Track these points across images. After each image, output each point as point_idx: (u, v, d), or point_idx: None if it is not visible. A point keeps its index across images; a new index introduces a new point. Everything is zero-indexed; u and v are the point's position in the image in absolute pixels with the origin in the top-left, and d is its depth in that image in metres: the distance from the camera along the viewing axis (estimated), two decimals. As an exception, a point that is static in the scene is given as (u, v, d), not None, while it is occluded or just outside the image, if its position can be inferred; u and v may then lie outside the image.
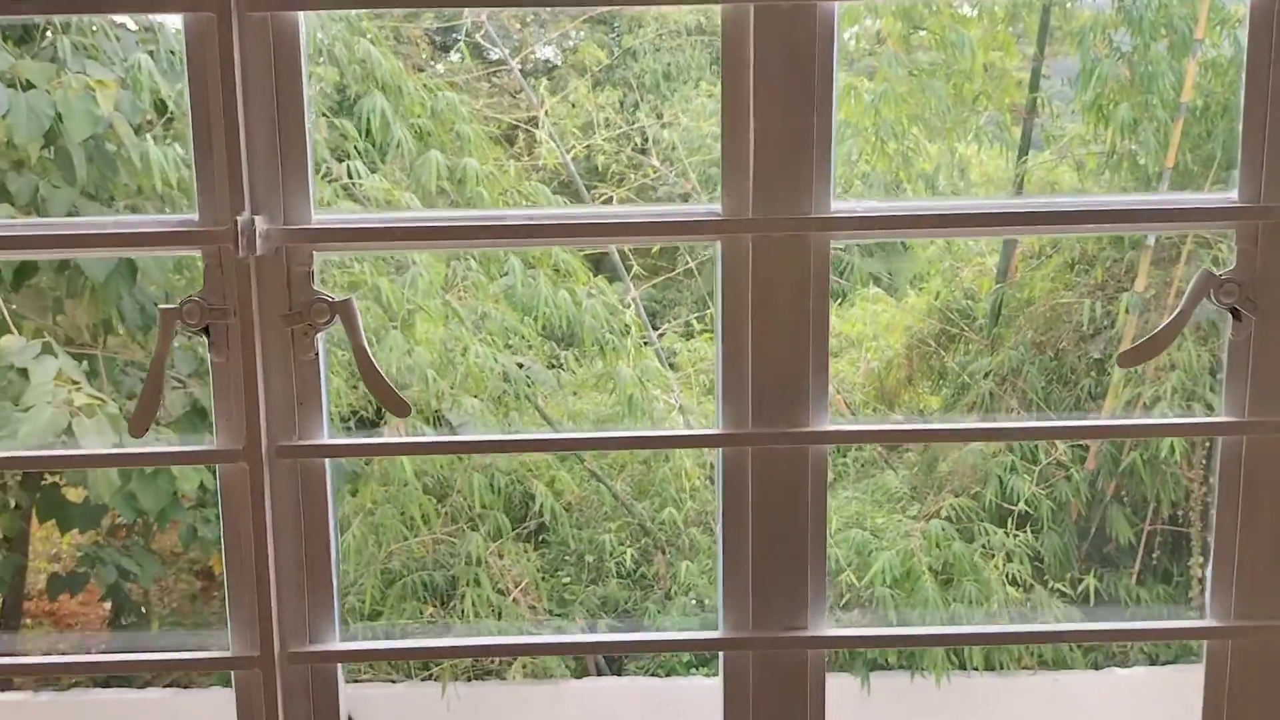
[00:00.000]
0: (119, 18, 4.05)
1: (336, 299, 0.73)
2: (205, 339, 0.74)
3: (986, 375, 4.96)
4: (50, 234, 0.77)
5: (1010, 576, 4.40)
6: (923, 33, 5.37)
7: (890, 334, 5.51)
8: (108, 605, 4.94)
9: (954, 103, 5.17)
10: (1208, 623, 0.80)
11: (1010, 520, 4.60)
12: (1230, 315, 0.76)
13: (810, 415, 0.78)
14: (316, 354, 0.74)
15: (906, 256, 5.86)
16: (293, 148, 0.73)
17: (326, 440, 0.75)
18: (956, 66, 5.10)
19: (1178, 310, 0.74)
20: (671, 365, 5.83)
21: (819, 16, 0.73)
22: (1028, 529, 4.57)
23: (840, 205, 0.75)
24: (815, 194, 0.75)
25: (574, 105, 5.97)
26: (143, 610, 5.04)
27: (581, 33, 6.65)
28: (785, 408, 0.77)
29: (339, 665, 0.79)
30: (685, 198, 6.43)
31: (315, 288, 0.74)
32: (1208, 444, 4.62)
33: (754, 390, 0.77)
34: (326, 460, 0.76)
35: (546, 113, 5.57)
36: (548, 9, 6.34)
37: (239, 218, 0.70)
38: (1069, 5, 4.97)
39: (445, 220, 0.73)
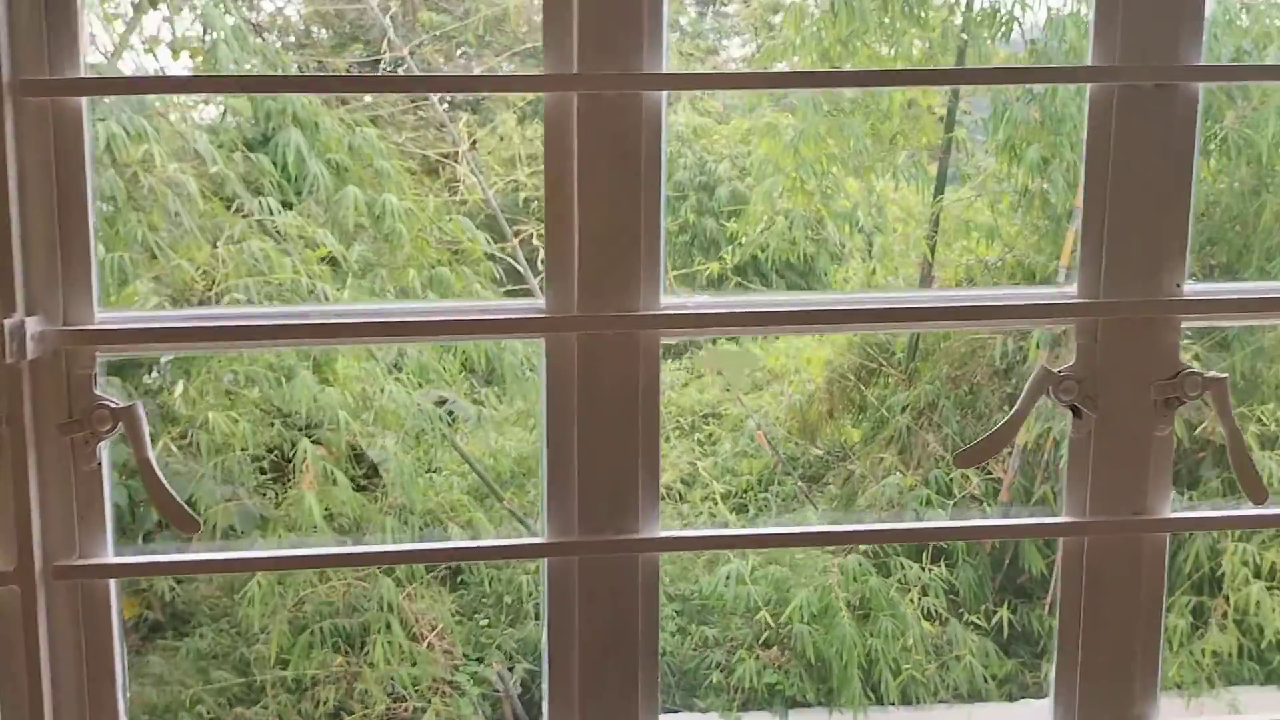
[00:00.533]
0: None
1: (120, 405, 0.66)
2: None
3: (904, 409, 5.01)
4: None
5: (926, 610, 4.43)
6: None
7: (812, 367, 5.54)
8: None
9: (873, 141, 5.25)
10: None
11: (925, 554, 4.64)
12: (1070, 412, 0.74)
13: (640, 521, 0.73)
14: (99, 464, 0.68)
15: (825, 289, 5.90)
16: (74, 243, 0.66)
17: (110, 559, 0.68)
18: (875, 106, 5.18)
19: (1014, 410, 0.71)
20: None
21: (645, 105, 0.69)
22: (943, 563, 4.61)
23: (670, 301, 0.71)
24: (644, 290, 0.71)
25: (502, 139, 5.92)
26: None
27: (511, 66, 6.61)
28: (614, 514, 0.73)
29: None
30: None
31: (98, 392, 0.67)
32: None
33: (580, 495, 0.72)
34: (111, 580, 0.69)
35: (474, 145, 5.52)
36: (473, 47, 6.28)
37: (6, 321, 0.64)
38: (984, 48, 5.07)
39: (238, 319, 0.67)
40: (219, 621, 4.83)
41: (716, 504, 5.00)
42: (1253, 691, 4.45)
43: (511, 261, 4.90)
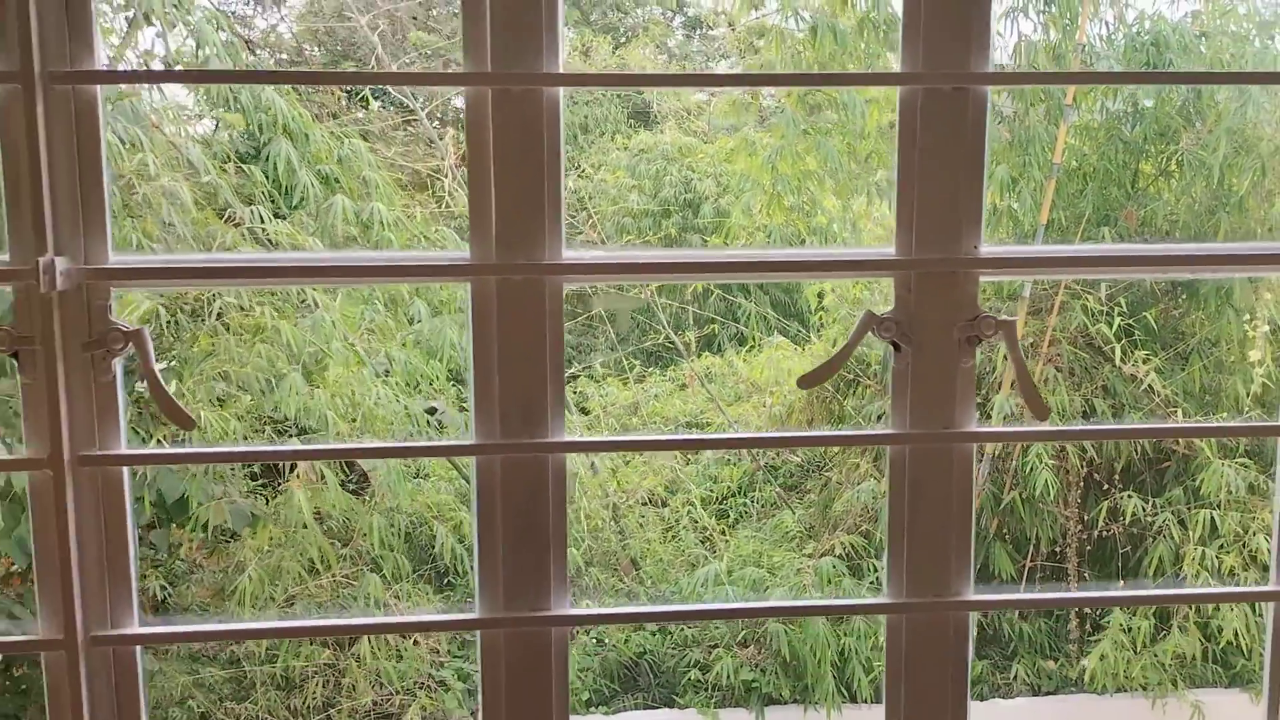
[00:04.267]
0: None
1: (130, 328, 0.86)
2: (15, 363, 0.86)
3: (879, 418, 5.18)
4: None
5: (897, 612, 4.58)
6: (819, 94, 5.64)
7: (792, 380, 5.72)
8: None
9: (849, 160, 5.45)
10: (885, 600, 0.96)
11: (897, 557, 4.78)
12: (892, 348, 0.93)
13: (549, 428, 0.92)
14: (114, 376, 0.87)
15: (803, 304, 6.08)
16: (92, 197, 0.86)
17: (124, 450, 0.88)
18: (852, 126, 5.38)
19: (846, 342, 0.90)
20: (583, 410, 5.97)
21: (546, 98, 0.89)
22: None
23: (570, 254, 0.91)
24: (549, 245, 0.91)
25: (459, 144, 6.13)
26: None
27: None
28: (528, 422, 0.92)
29: (138, 649, 0.91)
30: (597, 246, 6.60)
31: (112, 319, 0.87)
32: (1081, 484, 4.87)
33: (501, 408, 0.92)
34: (124, 468, 0.88)
35: (461, 160, 5.71)
36: (457, 63, 6.52)
37: (41, 259, 0.83)
38: None
39: (230, 261, 0.87)
40: (210, 621, 4.96)
41: (695, 507, 5.16)
42: (1216, 694, 4.60)
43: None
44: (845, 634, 4.55)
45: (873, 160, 5.51)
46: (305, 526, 4.18)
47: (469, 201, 0.90)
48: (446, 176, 5.09)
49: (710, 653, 4.78)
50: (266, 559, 4.18)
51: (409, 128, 6.51)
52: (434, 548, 4.54)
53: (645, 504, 5.44)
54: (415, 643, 4.52)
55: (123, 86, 4.35)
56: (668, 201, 7.43)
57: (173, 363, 3.93)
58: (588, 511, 5.11)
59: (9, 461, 0.83)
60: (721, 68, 9.67)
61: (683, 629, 4.87)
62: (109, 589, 0.89)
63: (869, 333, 0.92)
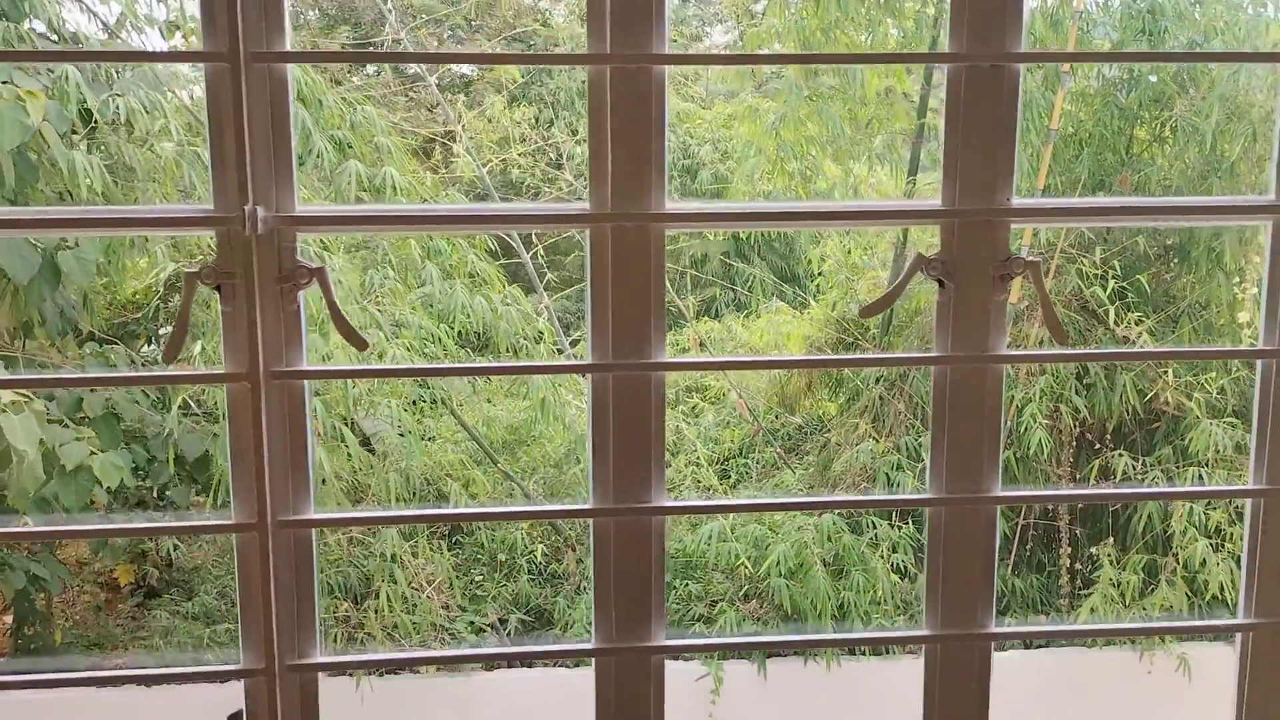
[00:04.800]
0: (41, 28, 4.26)
1: (313, 266, 1.06)
2: (218, 294, 1.06)
3: (878, 380, 5.41)
4: (91, 216, 1.09)
5: (895, 566, 4.83)
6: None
7: (791, 343, 5.94)
8: (8, 618, 4.99)
9: (850, 126, 5.64)
10: (928, 495, 1.18)
11: (894, 514, 5.04)
12: (938, 284, 1.15)
13: (653, 351, 1.14)
14: (298, 307, 1.08)
15: (803, 269, 6.30)
16: (283, 159, 1.06)
17: (305, 367, 1.08)
18: (853, 93, 5.57)
19: (901, 277, 1.12)
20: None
21: (654, 75, 1.10)
22: (910, 521, 5.02)
23: (672, 205, 1.12)
24: (654, 197, 1.12)
25: (490, 120, 6.30)
26: (47, 620, 5.11)
27: (499, 48, 6.98)
28: (634, 346, 1.13)
29: (313, 531, 1.12)
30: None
31: (298, 259, 1.07)
32: (1074, 443, 5.13)
33: (613, 334, 1.13)
34: (305, 382, 1.09)
35: (464, 127, 5.87)
36: (464, 30, 6.65)
37: (246, 207, 1.04)
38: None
39: (389, 210, 1.07)
40: (223, 578, 5.17)
41: (700, 467, 5.38)
42: (1201, 647, 4.88)
43: (504, 236, 5.29)
44: (845, 588, 4.80)
45: (873, 126, 5.70)
46: (324, 483, 4.38)
47: (589, 160, 1.11)
48: (458, 141, 5.25)
49: (714, 606, 5.03)
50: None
51: (411, 94, 6.64)
52: (445, 505, 4.75)
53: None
54: (428, 598, 4.75)
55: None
56: (665, 168, 7.60)
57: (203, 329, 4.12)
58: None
59: (215, 375, 1.04)
60: (717, 32, 9.80)
61: (688, 585, 5.10)
62: (292, 484, 1.11)
63: (919, 271, 1.13)
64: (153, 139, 4.24)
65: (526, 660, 4.75)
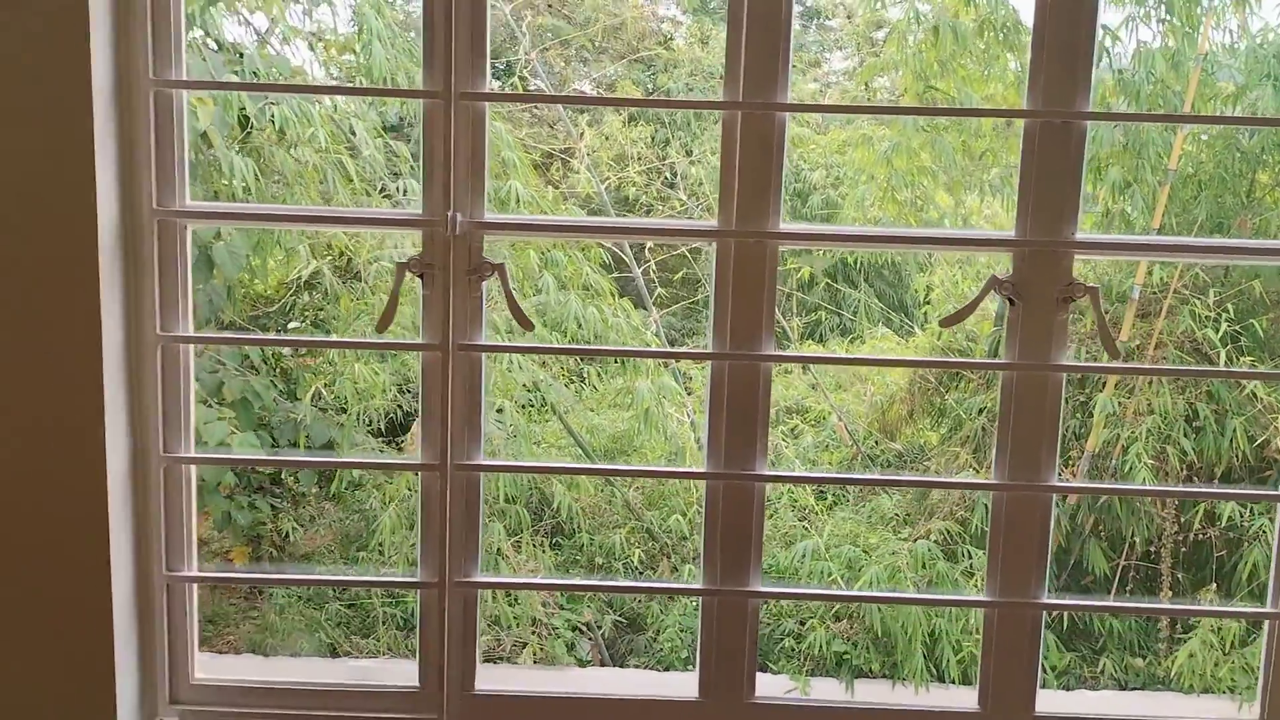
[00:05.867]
0: (201, 36, 4.77)
1: (495, 263, 1.37)
2: (420, 281, 1.38)
3: (980, 411, 5.53)
4: (325, 214, 1.43)
5: (989, 596, 4.94)
6: (936, 91, 6.01)
7: (895, 371, 6.10)
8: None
9: (962, 157, 5.80)
10: (993, 480, 1.42)
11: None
12: (1008, 302, 1.39)
13: (763, 345, 1.42)
14: (481, 294, 1.39)
15: (911, 297, 6.47)
16: (477, 176, 1.38)
17: (483, 341, 1.40)
18: (967, 123, 5.74)
19: (978, 293, 1.37)
20: (687, 390, 6.46)
21: (776, 119, 1.38)
22: (1007, 553, 5.10)
23: (786, 226, 1.40)
24: (770, 218, 1.40)
25: (607, 138, 6.66)
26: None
27: (619, 69, 7.36)
28: (748, 340, 1.41)
29: (481, 475, 1.42)
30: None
31: (484, 256, 1.39)
32: (1180, 484, 5.17)
33: (731, 331, 1.41)
34: (483, 355, 1.40)
35: (584, 145, 6.23)
36: (589, 51, 7.04)
37: (449, 213, 1.35)
38: None
39: (563, 221, 1.37)
40: (335, 565, 5.58)
41: (796, 488, 5.58)
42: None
43: (616, 250, 5.62)
44: (937, 614, 4.93)
45: (987, 158, 5.86)
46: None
47: (720, 185, 1.39)
48: (578, 158, 5.60)
49: (804, 624, 5.22)
50: (398, 507, 4.78)
51: (534, 110, 7.04)
52: (551, 505, 5.08)
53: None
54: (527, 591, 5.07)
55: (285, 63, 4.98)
56: (781, 193, 7.84)
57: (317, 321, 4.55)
58: (694, 483, 5.59)
59: (416, 344, 1.35)
60: (836, 59, 10.03)
61: (779, 601, 5.30)
62: (467, 435, 1.42)
63: (992, 290, 1.38)
64: (299, 145, 4.69)
65: (619, 661, 5.01)
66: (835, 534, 5.36)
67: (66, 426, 1.26)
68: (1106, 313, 5.57)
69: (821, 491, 5.97)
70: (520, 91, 6.42)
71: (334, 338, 4.76)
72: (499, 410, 4.98)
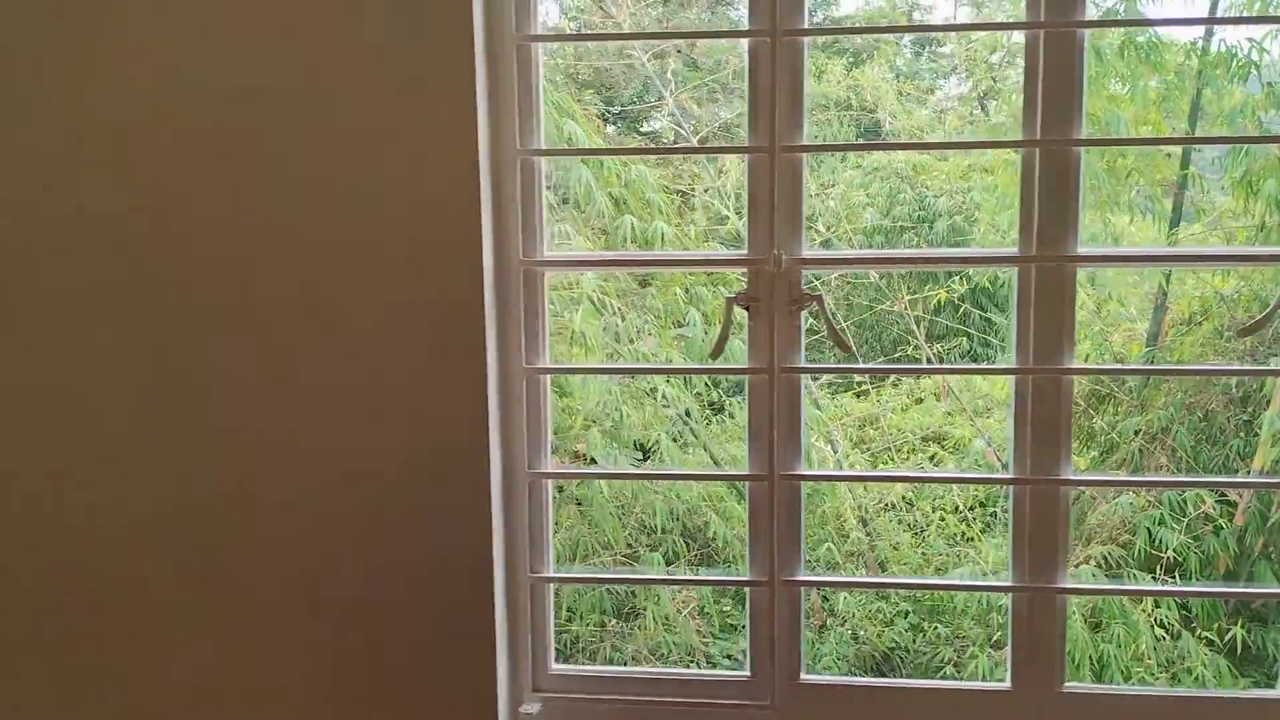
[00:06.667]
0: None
1: (815, 294, 1.54)
2: (746, 311, 1.55)
3: (1136, 434, 5.49)
4: (654, 259, 1.61)
5: (1158, 621, 4.90)
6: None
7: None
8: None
9: (1108, 176, 5.81)
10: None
11: (1159, 568, 5.10)
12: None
13: (1063, 359, 1.55)
14: (800, 322, 1.56)
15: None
16: (796, 220, 1.55)
17: (803, 364, 1.56)
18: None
19: (1275, 301, 1.49)
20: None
21: (1072, 155, 1.52)
22: (1176, 577, 5.06)
23: (1082, 250, 1.54)
24: (1069, 241, 1.54)
25: (722, 172, 6.84)
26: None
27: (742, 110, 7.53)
28: (1050, 355, 1.55)
29: (803, 484, 1.58)
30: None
31: (803, 287, 1.55)
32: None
33: (1034, 344, 1.55)
34: (801, 376, 1.57)
35: (723, 183, 6.43)
36: (722, 92, 7.24)
37: (774, 252, 1.53)
38: (1222, 89, 5.52)
39: (855, 255, 1.53)
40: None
41: (948, 514, 5.63)
42: None
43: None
44: (1104, 640, 4.91)
45: (1133, 177, 5.86)
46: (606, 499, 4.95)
47: (1020, 209, 1.54)
48: (725, 199, 5.80)
49: (964, 652, 5.24)
50: (569, 532, 4.98)
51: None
52: (707, 533, 5.23)
53: (892, 508, 5.96)
54: (686, 618, 5.22)
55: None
56: (901, 219, 7.93)
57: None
58: (837, 511, 5.69)
59: (745, 369, 1.52)
60: (951, 83, 10.10)
61: (936, 628, 5.34)
62: (790, 449, 1.58)
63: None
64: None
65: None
66: (994, 557, 5.37)
67: (454, 447, 1.47)
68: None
69: (967, 517, 5.99)
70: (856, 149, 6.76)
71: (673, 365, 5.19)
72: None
